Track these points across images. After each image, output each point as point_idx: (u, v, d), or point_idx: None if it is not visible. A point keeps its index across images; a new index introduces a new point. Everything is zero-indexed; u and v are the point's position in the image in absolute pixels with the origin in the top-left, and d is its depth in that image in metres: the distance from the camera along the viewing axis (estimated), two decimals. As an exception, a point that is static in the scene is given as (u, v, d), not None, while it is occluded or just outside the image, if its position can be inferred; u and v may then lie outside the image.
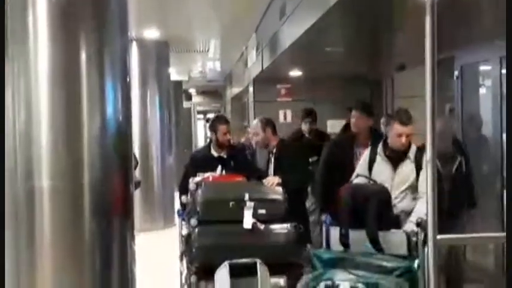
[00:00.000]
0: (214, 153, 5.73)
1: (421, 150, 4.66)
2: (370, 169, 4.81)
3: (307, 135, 7.73)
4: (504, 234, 2.63)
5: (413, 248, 4.16)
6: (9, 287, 3.45)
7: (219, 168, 5.48)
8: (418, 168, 4.65)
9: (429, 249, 3.10)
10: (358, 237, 4.20)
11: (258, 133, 5.76)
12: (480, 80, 7.44)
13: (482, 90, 7.38)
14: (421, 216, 4.26)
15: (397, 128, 4.66)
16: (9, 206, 3.41)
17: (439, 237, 3.12)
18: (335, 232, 4.33)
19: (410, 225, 4.36)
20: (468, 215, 5.70)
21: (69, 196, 3.50)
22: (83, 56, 3.54)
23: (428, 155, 3.12)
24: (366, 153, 4.97)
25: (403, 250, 4.17)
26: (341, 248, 4.23)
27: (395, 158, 4.74)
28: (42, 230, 3.45)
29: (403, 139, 4.65)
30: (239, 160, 5.75)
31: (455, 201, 5.65)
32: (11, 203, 3.41)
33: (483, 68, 7.18)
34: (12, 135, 3.39)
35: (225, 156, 5.69)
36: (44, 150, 3.43)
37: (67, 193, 3.49)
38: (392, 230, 4.30)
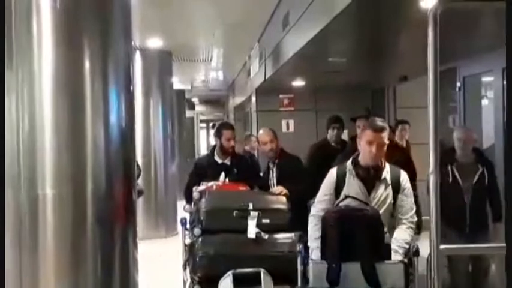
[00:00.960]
0: (218, 159, 5.75)
1: (395, 170, 4.18)
2: (337, 192, 4.12)
3: (333, 144, 7.11)
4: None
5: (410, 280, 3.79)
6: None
7: (223, 174, 5.48)
8: (395, 190, 4.10)
9: (433, 259, 3.09)
10: (349, 271, 3.65)
11: (273, 140, 5.79)
12: (482, 91, 7.45)
13: (484, 102, 7.39)
14: (401, 244, 3.98)
15: (368, 134, 4.07)
16: (12, 214, 3.39)
17: (442, 247, 3.12)
18: (316, 266, 3.78)
19: (395, 255, 3.95)
20: (494, 228, 5.45)
21: (73, 204, 3.49)
22: (87, 64, 3.54)
23: (431, 165, 3.12)
24: (331, 173, 4.25)
25: (401, 283, 3.74)
26: (326, 285, 3.63)
27: (369, 179, 4.09)
28: (45, 237, 3.44)
29: (373, 148, 4.02)
30: (242, 167, 5.76)
31: (476, 214, 5.52)
32: (14, 211, 3.40)
33: (485, 79, 7.19)
34: (16, 143, 3.38)
35: (228, 163, 5.71)
36: (47, 158, 3.42)
37: (70, 201, 3.48)
38: (387, 261, 3.83)
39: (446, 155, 5.30)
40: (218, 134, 5.78)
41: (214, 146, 5.95)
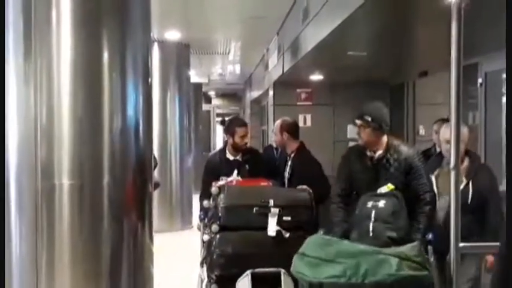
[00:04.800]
0: (230, 156, 5.61)
1: None
2: None
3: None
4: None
5: None
6: (29, 278, 3.46)
7: (235, 172, 5.37)
8: None
9: (451, 257, 3.04)
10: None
11: (276, 133, 5.73)
12: (505, 87, 7.33)
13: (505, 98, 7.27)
14: None
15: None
16: (29, 202, 3.42)
17: (461, 245, 3.07)
18: None
19: None
20: None
21: (89, 195, 3.51)
22: (105, 55, 3.54)
23: (452, 161, 3.08)
24: None
25: None
26: None
27: None
28: (61, 227, 3.46)
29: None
30: (254, 163, 5.63)
31: None
32: (30, 199, 3.42)
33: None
34: (34, 133, 3.39)
35: (240, 160, 5.59)
36: (64, 149, 3.43)
37: (86, 192, 3.49)
38: None
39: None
40: (230, 131, 5.57)
41: (226, 143, 5.78)
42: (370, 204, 4.02)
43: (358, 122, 4.46)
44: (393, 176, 4.26)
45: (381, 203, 3.99)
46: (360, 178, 4.42)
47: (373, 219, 3.93)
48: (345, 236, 4.12)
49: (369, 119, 4.40)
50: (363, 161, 4.44)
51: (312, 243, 3.54)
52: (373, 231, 3.92)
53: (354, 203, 4.27)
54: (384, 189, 4.16)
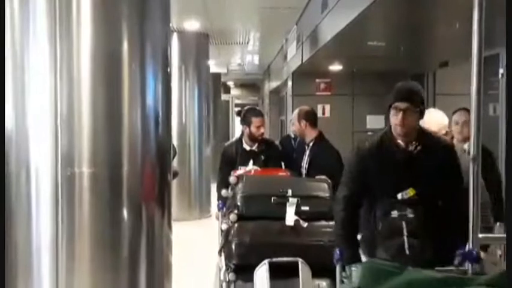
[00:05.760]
0: (246, 146, 5.65)
1: None
2: None
3: None
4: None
5: None
6: (48, 267, 3.46)
7: (251, 162, 5.40)
8: None
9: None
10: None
11: (295, 122, 5.73)
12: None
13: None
14: None
15: None
16: (49, 191, 3.41)
17: (480, 236, 3.05)
18: None
19: None
20: None
21: (108, 184, 3.48)
22: (125, 45, 3.52)
23: (472, 152, 3.05)
24: None
25: None
26: None
27: None
28: (81, 215, 3.45)
29: None
30: (269, 154, 5.66)
31: None
32: (50, 188, 3.41)
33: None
34: (54, 122, 3.40)
35: (256, 150, 5.62)
36: (84, 137, 3.42)
37: (106, 181, 3.48)
38: None
39: None
40: (247, 121, 5.65)
41: (242, 133, 5.84)
42: (395, 213, 3.30)
43: (404, 105, 3.39)
44: (430, 174, 3.42)
45: (409, 213, 3.28)
46: (385, 178, 3.47)
47: (406, 233, 3.22)
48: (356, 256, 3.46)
49: (419, 100, 3.44)
50: (393, 156, 3.48)
51: (369, 273, 2.75)
52: (409, 248, 3.22)
53: (366, 210, 3.57)
54: (405, 194, 3.36)
